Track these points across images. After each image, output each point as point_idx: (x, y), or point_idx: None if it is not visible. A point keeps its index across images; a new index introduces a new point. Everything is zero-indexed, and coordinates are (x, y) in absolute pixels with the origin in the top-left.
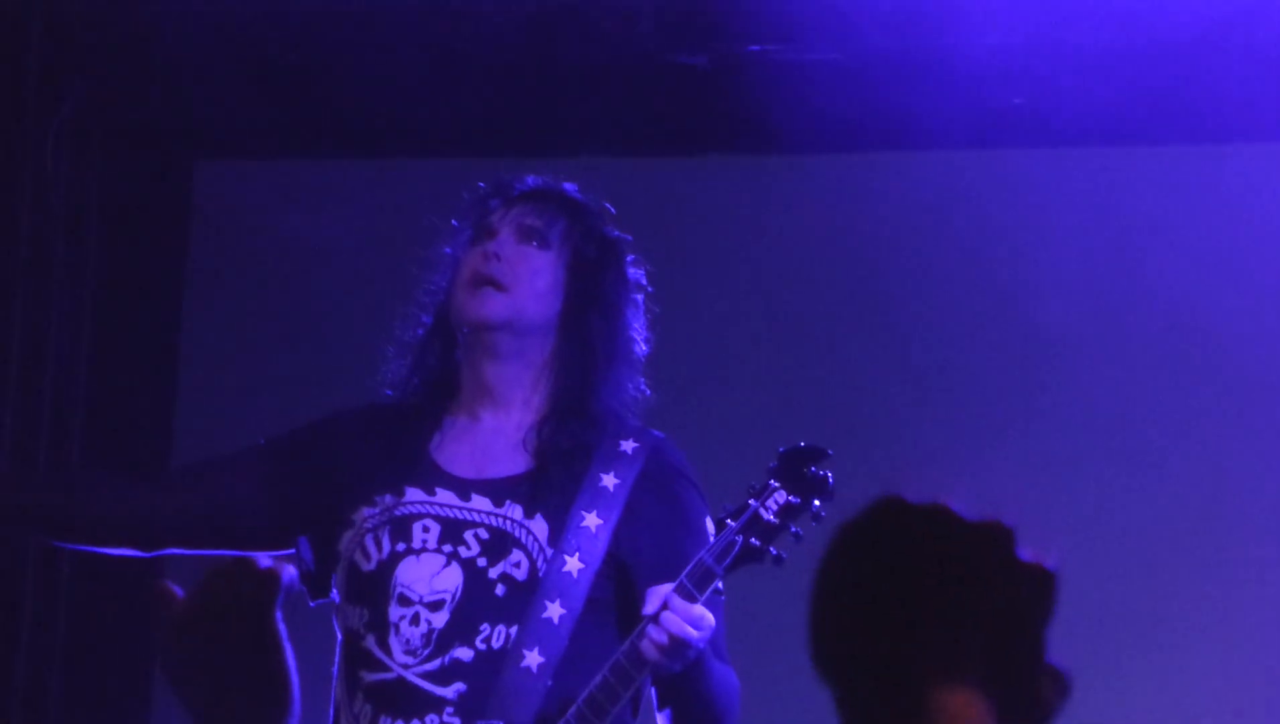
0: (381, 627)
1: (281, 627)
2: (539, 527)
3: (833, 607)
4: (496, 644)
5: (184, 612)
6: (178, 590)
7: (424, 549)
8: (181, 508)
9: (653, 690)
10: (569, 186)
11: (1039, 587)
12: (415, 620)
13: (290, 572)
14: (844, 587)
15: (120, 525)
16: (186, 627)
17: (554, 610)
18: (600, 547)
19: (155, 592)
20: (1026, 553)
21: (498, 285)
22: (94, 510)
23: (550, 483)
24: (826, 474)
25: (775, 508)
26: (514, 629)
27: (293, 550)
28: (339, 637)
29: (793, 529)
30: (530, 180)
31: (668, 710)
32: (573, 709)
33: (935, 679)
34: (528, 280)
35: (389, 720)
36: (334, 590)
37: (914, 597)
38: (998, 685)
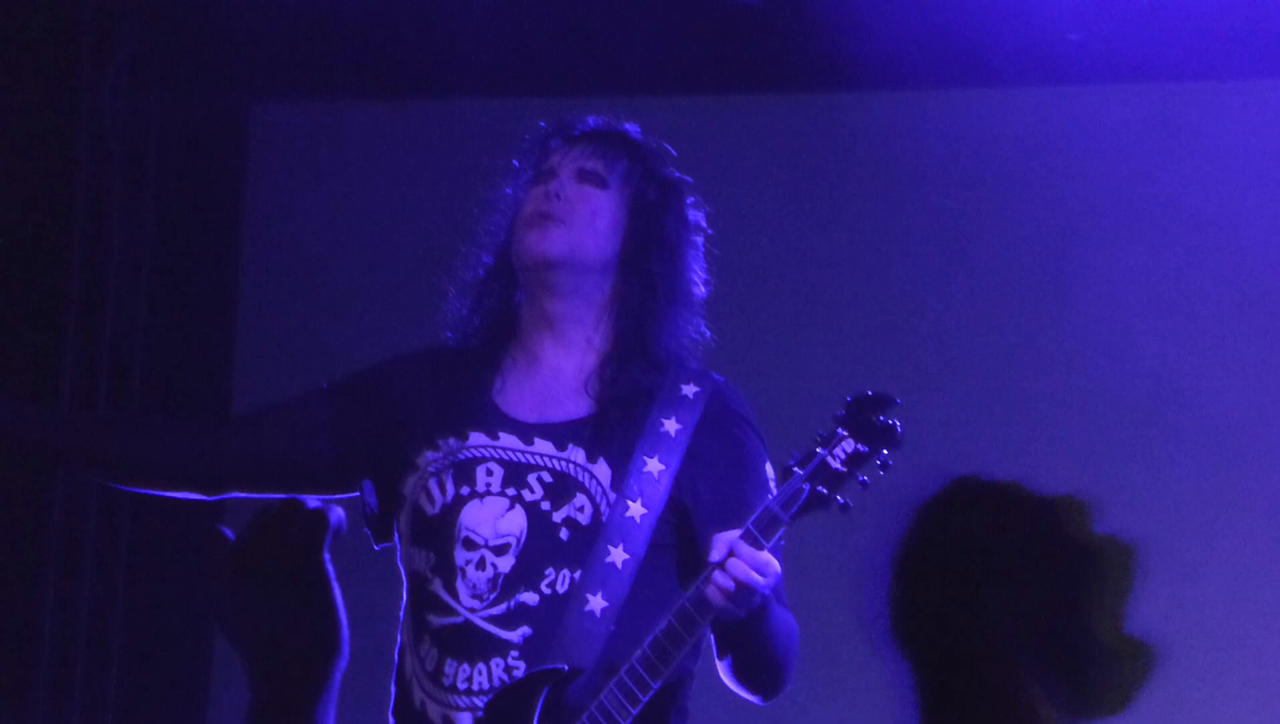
0: (448, 570)
1: (329, 568)
2: (602, 471)
3: (914, 583)
4: (561, 588)
5: (234, 554)
6: (229, 534)
7: (488, 493)
8: (244, 452)
9: (712, 639)
10: (630, 127)
11: (1117, 559)
12: (481, 564)
13: (338, 513)
14: (925, 564)
15: (183, 469)
16: (236, 569)
17: (617, 555)
18: (662, 492)
19: (208, 536)
20: (1103, 527)
21: (557, 222)
22: (157, 454)
23: (612, 427)
24: (894, 423)
25: (843, 456)
26: (577, 574)
27: (356, 494)
28: (404, 580)
29: (860, 478)
30: (591, 120)
31: (729, 658)
32: (638, 653)
33: (1008, 668)
34: (588, 219)
35: (455, 664)
36: (396, 534)
37: (992, 572)
38: (1072, 661)
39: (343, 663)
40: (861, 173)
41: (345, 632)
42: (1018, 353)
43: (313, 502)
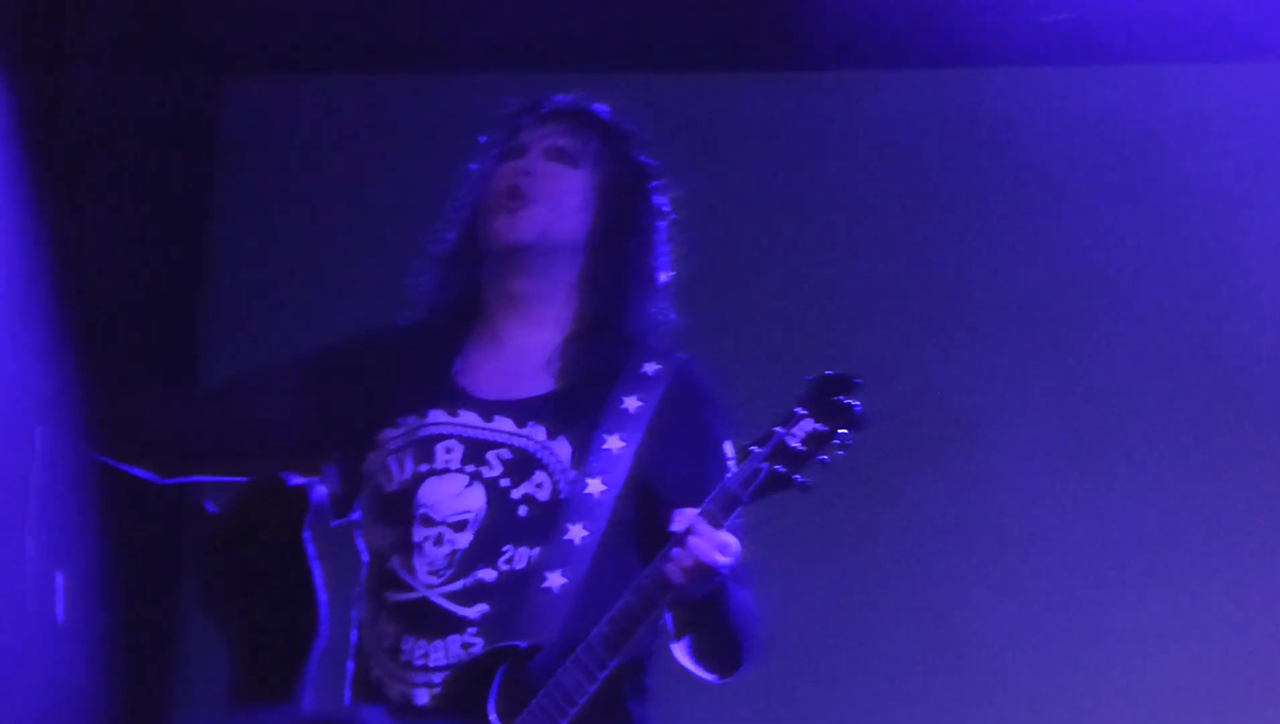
0: (405, 547)
1: (310, 546)
2: (562, 448)
3: None
4: (519, 565)
5: (215, 529)
6: (210, 507)
7: (446, 470)
8: (208, 433)
9: (668, 618)
10: (599, 107)
11: None
12: (439, 541)
13: (320, 491)
14: None
15: (143, 451)
16: (217, 544)
17: (576, 532)
18: (622, 469)
19: (189, 510)
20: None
21: (527, 202)
22: (123, 432)
23: (573, 405)
24: (854, 403)
25: (802, 436)
26: (536, 551)
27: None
28: (364, 558)
29: (819, 457)
30: (560, 99)
31: (686, 638)
32: (595, 631)
33: None
34: (557, 198)
35: (412, 640)
36: (356, 511)
37: None
38: None
39: (322, 641)
40: (834, 153)
41: (325, 610)
42: (989, 333)
43: (294, 480)
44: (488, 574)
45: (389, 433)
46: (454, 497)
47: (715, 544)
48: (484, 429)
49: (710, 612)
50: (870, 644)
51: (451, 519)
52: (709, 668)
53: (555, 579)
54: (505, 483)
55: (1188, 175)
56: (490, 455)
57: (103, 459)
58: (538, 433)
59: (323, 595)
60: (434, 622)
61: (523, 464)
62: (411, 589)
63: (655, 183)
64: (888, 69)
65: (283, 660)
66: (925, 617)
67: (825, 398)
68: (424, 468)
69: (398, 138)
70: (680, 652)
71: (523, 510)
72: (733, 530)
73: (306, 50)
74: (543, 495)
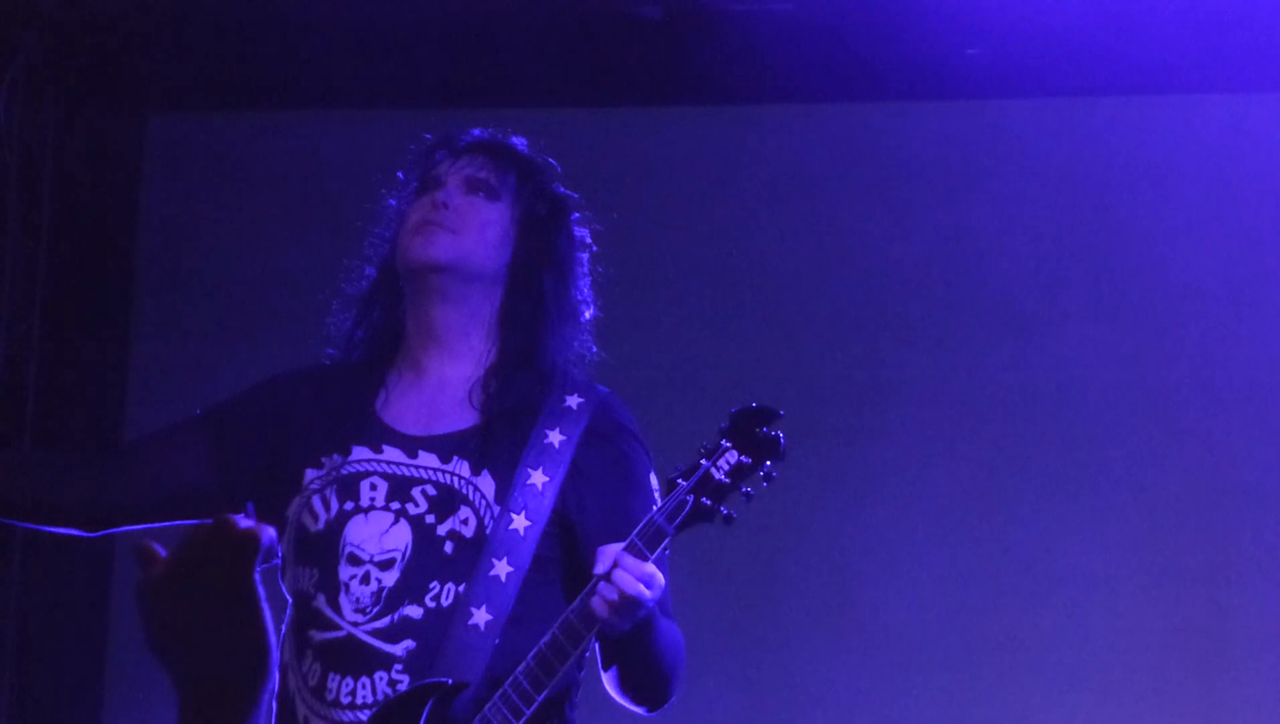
0: (332, 586)
1: (260, 588)
2: (486, 484)
3: None
4: (445, 602)
5: (164, 571)
6: (160, 550)
7: (372, 507)
8: (127, 487)
9: (597, 649)
10: (518, 141)
11: None
12: (366, 579)
13: (270, 533)
14: None
15: (62, 508)
16: (166, 587)
17: (501, 568)
18: (547, 505)
19: (137, 551)
20: None
21: (445, 230)
22: (41, 493)
23: (497, 440)
24: (778, 435)
25: (727, 468)
26: (462, 587)
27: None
28: (289, 600)
29: (744, 489)
30: (477, 133)
31: (614, 669)
32: (522, 667)
33: None
34: (477, 229)
35: (338, 678)
36: (278, 554)
37: None
38: None
39: (273, 684)
40: (758, 186)
41: (276, 653)
42: (910, 366)
43: (244, 521)
44: (414, 611)
45: (312, 473)
46: (380, 534)
47: (641, 577)
48: (408, 465)
49: (637, 644)
50: (775, 641)
51: (379, 558)
52: (637, 700)
53: (481, 615)
54: (431, 519)
55: (1110, 203)
56: (415, 492)
57: (25, 524)
58: (462, 468)
59: (273, 638)
60: (360, 659)
61: (448, 500)
62: (338, 627)
63: (575, 215)
64: (806, 103)
65: (233, 706)
66: (831, 606)
67: (750, 430)
68: (349, 506)
69: (319, 174)
70: (609, 683)
71: (449, 547)
72: (656, 562)
73: (229, 87)
74: (468, 531)
